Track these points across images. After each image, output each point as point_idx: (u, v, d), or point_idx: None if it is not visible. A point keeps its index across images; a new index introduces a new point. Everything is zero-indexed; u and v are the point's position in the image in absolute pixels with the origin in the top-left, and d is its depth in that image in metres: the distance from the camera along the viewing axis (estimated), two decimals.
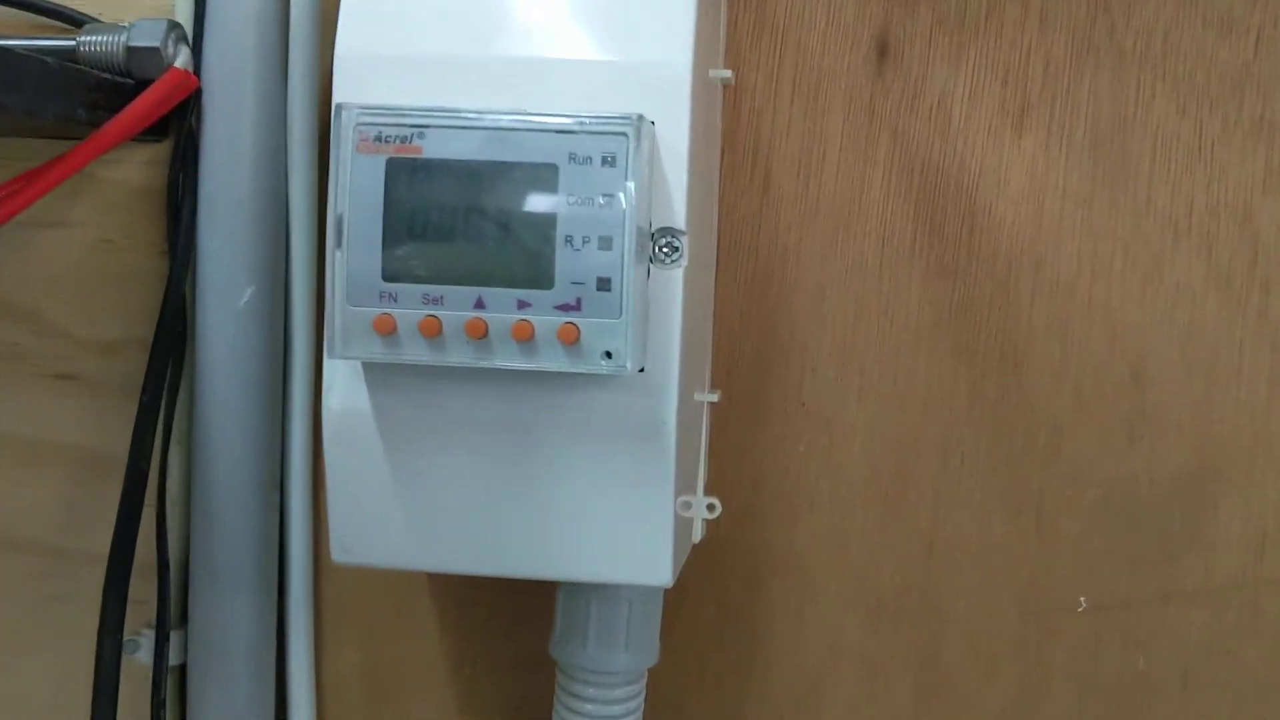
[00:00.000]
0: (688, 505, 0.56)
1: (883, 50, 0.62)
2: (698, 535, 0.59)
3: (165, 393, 0.61)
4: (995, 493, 0.63)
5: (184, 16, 0.60)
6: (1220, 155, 0.61)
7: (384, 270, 0.47)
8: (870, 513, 0.64)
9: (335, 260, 0.47)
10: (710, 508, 0.59)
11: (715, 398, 0.61)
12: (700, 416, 0.60)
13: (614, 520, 0.51)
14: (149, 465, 0.60)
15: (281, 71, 0.60)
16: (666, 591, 0.55)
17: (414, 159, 0.47)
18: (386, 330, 0.47)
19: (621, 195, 0.46)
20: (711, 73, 0.58)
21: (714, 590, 0.65)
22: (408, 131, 0.47)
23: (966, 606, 0.64)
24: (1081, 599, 0.63)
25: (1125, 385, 0.62)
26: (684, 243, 0.49)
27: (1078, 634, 0.63)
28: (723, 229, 0.63)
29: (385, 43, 0.50)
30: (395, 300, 0.47)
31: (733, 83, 0.63)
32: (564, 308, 0.46)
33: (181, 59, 0.59)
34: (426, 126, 0.47)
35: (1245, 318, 0.61)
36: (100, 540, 0.59)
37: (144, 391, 0.60)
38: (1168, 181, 0.61)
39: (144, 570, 0.60)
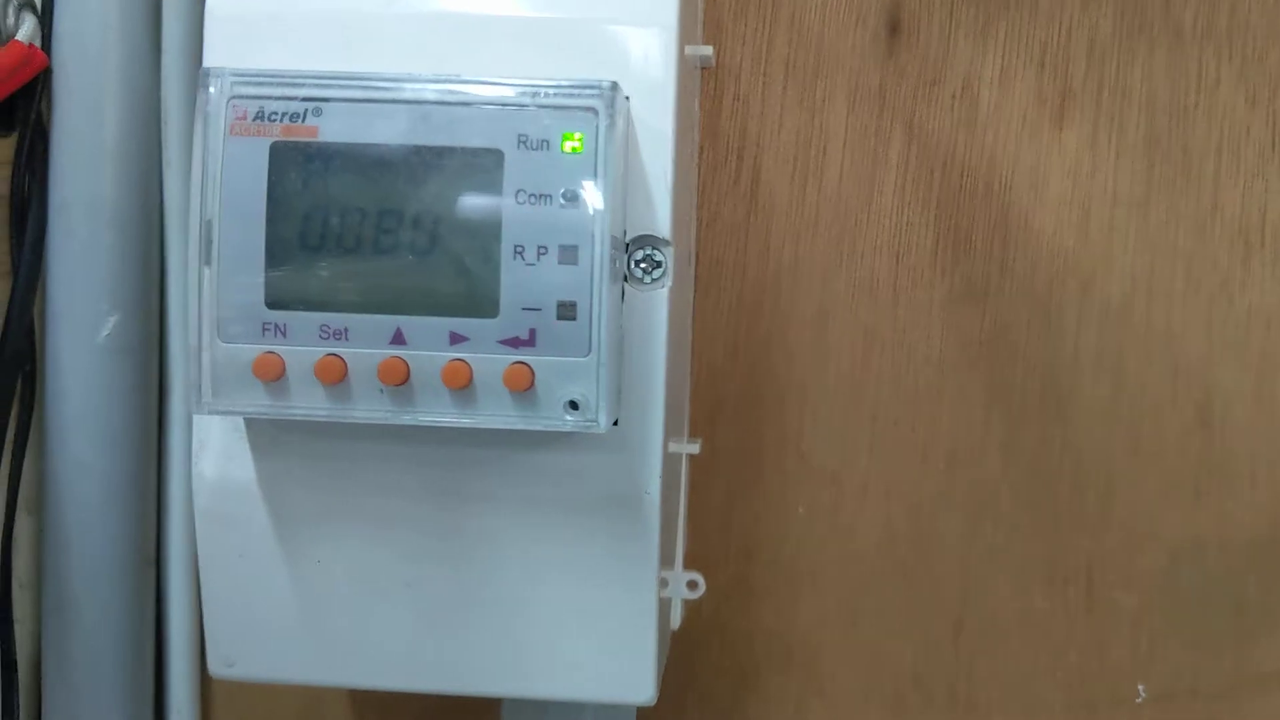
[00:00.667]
0: (664, 583, 0.45)
1: (895, 26, 0.53)
2: (676, 621, 0.48)
3: (8, 447, 0.49)
4: (1036, 561, 0.54)
5: None
6: None
7: (268, 294, 0.35)
8: (886, 586, 0.54)
9: (204, 281, 0.35)
10: (691, 585, 0.49)
11: (696, 448, 0.50)
12: (678, 472, 0.49)
13: (578, 622, 0.40)
14: None
15: (153, 45, 0.49)
16: None
17: (308, 143, 0.35)
18: (272, 375, 0.35)
19: (588, 191, 0.35)
20: (688, 49, 0.47)
21: (697, 688, 0.55)
22: (299, 107, 0.35)
23: (1003, 698, 0.55)
24: (1140, 687, 0.54)
25: (1190, 430, 0.53)
26: (669, 256, 0.38)
27: None
28: (702, 243, 0.53)
29: None
30: (284, 334, 0.35)
31: (713, 63, 0.52)
32: (512, 342, 0.35)
33: (25, 30, 0.48)
34: (325, 100, 0.35)
35: None
36: None
37: None
38: (1237, 184, 0.53)
39: None
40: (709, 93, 0.53)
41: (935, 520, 0.53)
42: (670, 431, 0.42)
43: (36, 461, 0.51)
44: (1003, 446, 0.53)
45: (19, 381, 0.49)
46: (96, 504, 0.50)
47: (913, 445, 0.53)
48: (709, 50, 0.50)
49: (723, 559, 0.54)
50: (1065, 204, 0.52)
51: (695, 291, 0.53)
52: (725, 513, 0.54)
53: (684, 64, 0.40)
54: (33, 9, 0.49)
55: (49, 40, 0.49)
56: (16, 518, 0.50)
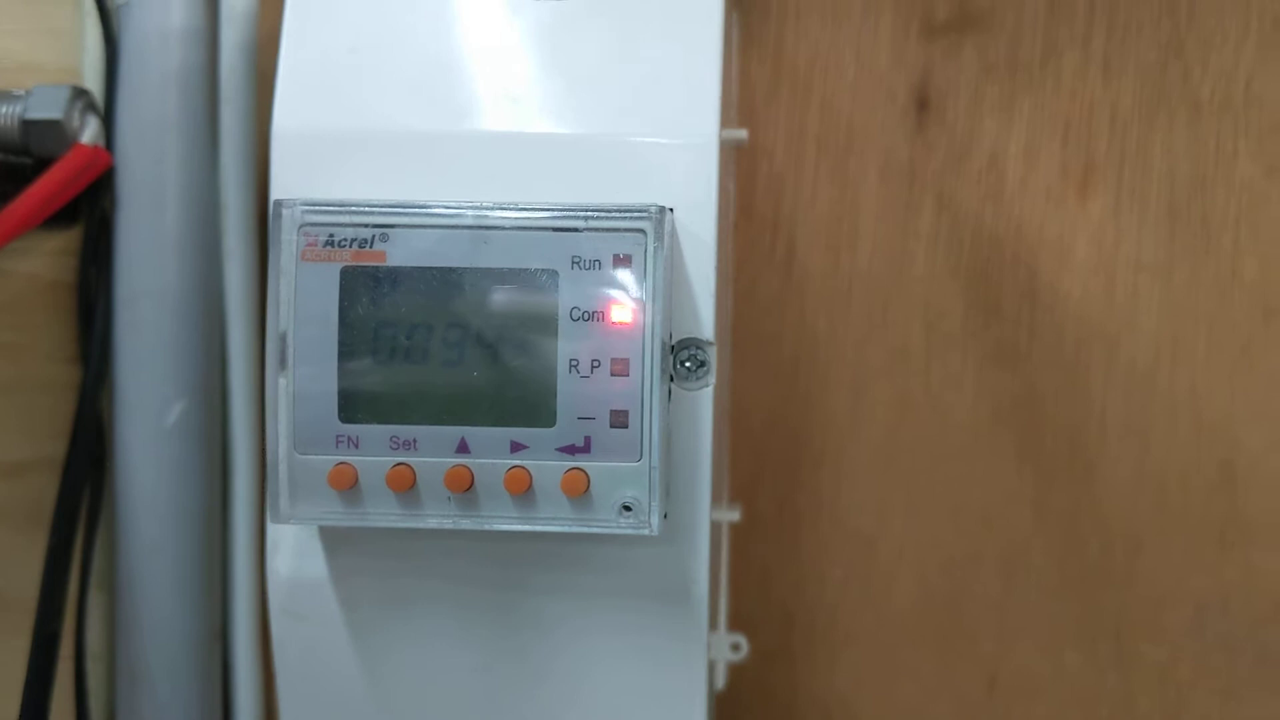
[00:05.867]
0: (708, 647, 0.47)
1: (923, 102, 0.54)
2: (721, 682, 0.50)
3: (81, 527, 0.51)
4: (1068, 618, 0.55)
5: (93, 81, 0.50)
6: None
7: (341, 408, 0.37)
8: (922, 646, 0.56)
9: (279, 391, 0.37)
10: (735, 647, 0.50)
11: (736, 516, 0.52)
12: (720, 539, 0.50)
13: (634, 698, 0.41)
14: (63, 614, 0.50)
15: (211, 144, 0.51)
16: None
17: (376, 267, 0.37)
18: (346, 484, 0.37)
19: (639, 307, 0.36)
20: (724, 133, 0.49)
21: None
22: (368, 233, 0.37)
23: None
24: None
25: (1215, 488, 0.54)
26: (712, 355, 0.40)
27: None
28: (739, 314, 0.54)
29: (335, 115, 0.40)
30: (356, 446, 0.37)
31: (746, 144, 0.53)
32: (569, 450, 0.37)
33: (90, 132, 0.49)
34: (391, 226, 0.37)
35: None
36: (5, 705, 0.50)
37: (54, 526, 0.50)
38: (1256, 251, 0.54)
39: None
40: (744, 171, 0.54)
41: (968, 580, 0.55)
42: (713, 506, 0.44)
43: (108, 540, 0.53)
44: (1034, 507, 0.54)
45: (90, 465, 0.52)
46: (166, 580, 0.51)
47: (947, 508, 0.54)
48: (744, 134, 0.51)
49: (764, 621, 0.55)
50: (1090, 271, 0.53)
51: (733, 362, 0.55)
52: (765, 576, 0.55)
53: (723, 159, 0.42)
54: (95, 110, 0.50)
55: (111, 139, 0.51)
56: (89, 594, 0.52)
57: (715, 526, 0.48)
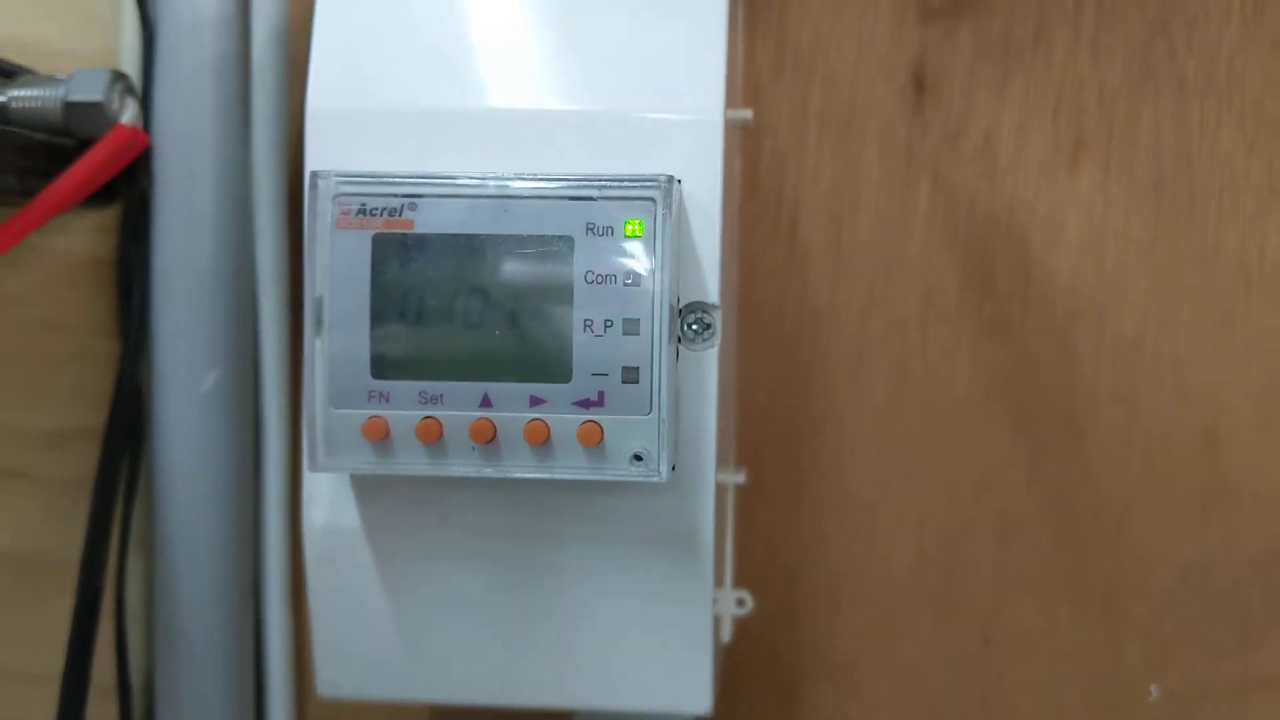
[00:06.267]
0: (714, 601, 0.50)
1: (920, 82, 0.56)
2: (727, 635, 0.52)
3: (121, 493, 0.53)
4: (1059, 578, 0.57)
5: (130, 65, 0.53)
6: None
7: (373, 365, 0.40)
8: (921, 605, 0.58)
9: (315, 351, 0.40)
10: (740, 602, 0.53)
11: (742, 478, 0.54)
12: (727, 501, 0.53)
13: (644, 641, 0.44)
14: (104, 575, 0.53)
15: (244, 125, 0.53)
16: None
17: (405, 234, 0.40)
18: (378, 436, 0.40)
19: (649, 271, 0.39)
20: (730, 113, 0.51)
21: (746, 699, 0.59)
22: (397, 203, 0.40)
23: (1030, 703, 0.58)
24: (1153, 688, 0.58)
25: (1198, 453, 0.56)
26: (717, 318, 0.42)
27: None
28: (744, 287, 0.57)
29: (365, 95, 0.43)
30: (387, 400, 0.40)
31: (752, 124, 0.56)
32: (584, 404, 0.40)
33: (129, 114, 0.52)
34: (419, 196, 0.40)
35: None
36: (50, 660, 0.52)
37: (96, 491, 0.53)
38: (1237, 224, 0.56)
39: (103, 693, 0.53)
40: (750, 149, 0.57)
41: (965, 544, 0.57)
42: (720, 468, 0.47)
43: (146, 503, 0.55)
44: (1028, 474, 0.56)
45: (129, 434, 0.54)
46: (201, 541, 0.54)
47: (944, 474, 0.57)
48: (749, 114, 0.54)
49: (769, 581, 0.57)
50: (1080, 245, 0.55)
51: (739, 332, 0.57)
52: (770, 538, 0.57)
53: (728, 137, 0.44)
54: (134, 94, 0.53)
55: (149, 122, 0.53)
56: (129, 556, 0.55)
57: (721, 489, 0.51)
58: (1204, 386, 0.56)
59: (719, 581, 0.51)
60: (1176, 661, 0.57)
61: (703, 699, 0.45)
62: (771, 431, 0.57)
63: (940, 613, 0.57)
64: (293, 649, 0.56)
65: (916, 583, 0.57)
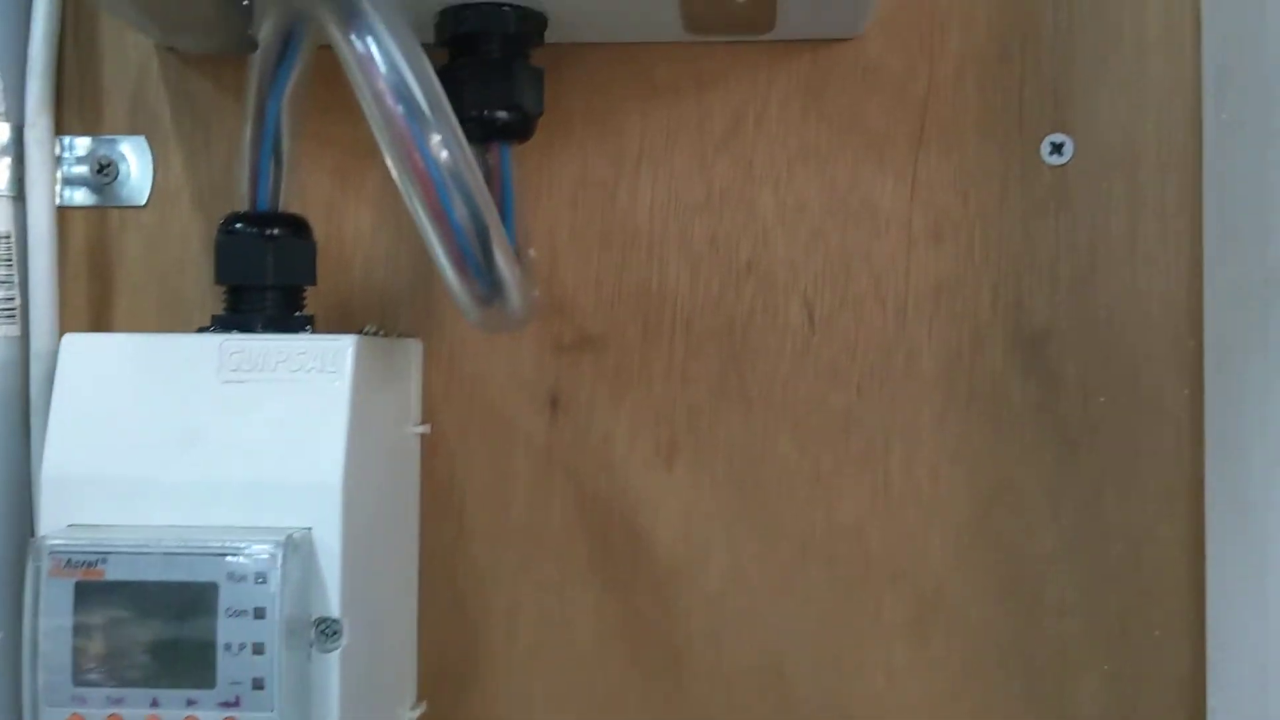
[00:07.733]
0: None
1: (554, 401, 0.74)
2: None
3: None
4: None
5: None
6: (834, 483, 0.73)
7: (74, 676, 0.56)
8: None
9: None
10: None
11: (418, 712, 0.70)
12: None
13: None
14: None
15: None
16: None
17: (99, 581, 0.56)
18: None
19: (272, 607, 0.56)
20: (409, 429, 0.69)
21: None
22: (93, 557, 0.56)
23: None
24: None
25: (769, 685, 0.73)
26: (343, 626, 0.59)
27: None
28: (423, 557, 0.73)
29: (88, 463, 0.60)
30: (84, 702, 0.56)
31: (429, 432, 0.73)
32: (226, 704, 0.56)
33: None
34: (109, 553, 0.56)
35: (864, 616, 0.72)
36: None
37: None
38: (793, 506, 0.73)
39: None
40: (428, 451, 0.74)
41: None
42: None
43: None
44: (641, 700, 0.74)
45: None
46: None
47: (572, 702, 0.74)
48: (425, 427, 0.72)
49: None
50: (675, 522, 0.73)
51: (420, 592, 0.74)
52: None
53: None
54: None
55: None
56: None
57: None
58: (773, 632, 0.73)
59: None
60: None
61: None
62: (448, 667, 0.74)
63: None
64: None
65: None
